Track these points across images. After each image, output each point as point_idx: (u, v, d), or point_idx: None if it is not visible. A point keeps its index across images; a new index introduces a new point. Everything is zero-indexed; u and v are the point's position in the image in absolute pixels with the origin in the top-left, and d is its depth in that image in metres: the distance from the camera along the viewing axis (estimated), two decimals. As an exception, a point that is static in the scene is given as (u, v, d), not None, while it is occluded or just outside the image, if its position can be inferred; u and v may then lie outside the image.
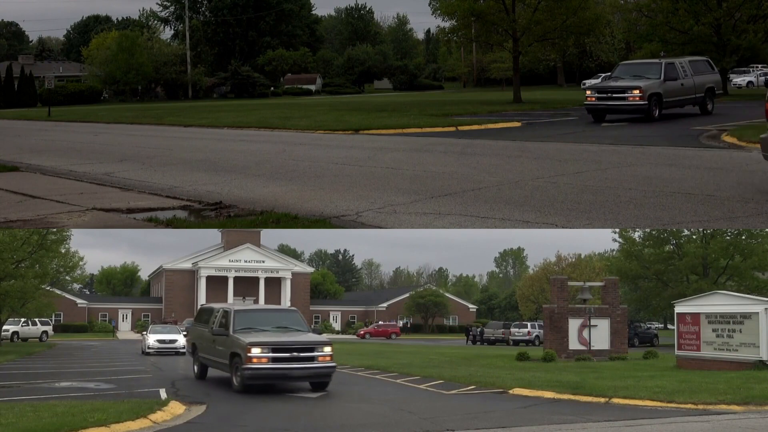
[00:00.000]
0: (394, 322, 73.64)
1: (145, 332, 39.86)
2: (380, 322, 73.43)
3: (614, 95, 31.49)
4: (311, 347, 16.35)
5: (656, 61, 34.22)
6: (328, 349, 16.43)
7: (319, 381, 16.62)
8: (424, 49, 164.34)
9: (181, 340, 35.59)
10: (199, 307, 21.05)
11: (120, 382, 19.37)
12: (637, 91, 30.81)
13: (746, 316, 21.43)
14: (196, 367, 19.75)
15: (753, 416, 13.17)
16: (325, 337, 18.78)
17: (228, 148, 27.31)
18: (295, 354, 16.05)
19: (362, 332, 67.18)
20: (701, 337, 22.77)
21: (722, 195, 13.70)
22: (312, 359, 16.20)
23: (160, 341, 35.63)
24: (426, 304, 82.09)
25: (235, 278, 79.62)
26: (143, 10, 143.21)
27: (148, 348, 35.19)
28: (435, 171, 18.28)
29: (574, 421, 12.53)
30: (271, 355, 15.87)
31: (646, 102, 30.74)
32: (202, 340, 18.95)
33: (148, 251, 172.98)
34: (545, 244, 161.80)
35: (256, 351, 15.80)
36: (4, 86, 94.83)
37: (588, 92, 33.24)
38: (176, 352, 34.73)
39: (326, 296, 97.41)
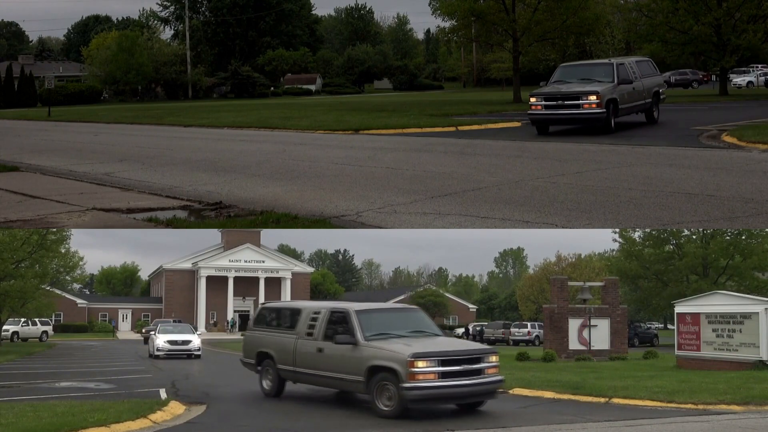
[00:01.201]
0: None
1: (152, 332, 35.72)
2: None
3: (566, 102, 26.14)
4: (478, 357, 13.14)
5: (605, 61, 29.86)
6: (495, 359, 13.36)
7: (482, 399, 13.41)
8: (424, 49, 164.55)
9: (195, 341, 32.35)
10: (261, 305, 17.53)
11: (120, 382, 19.37)
12: (594, 97, 25.75)
13: (746, 316, 21.45)
14: (266, 383, 15.64)
15: (753, 416, 13.17)
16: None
17: (228, 148, 27.31)
18: (465, 366, 12.79)
19: None
20: (701, 337, 22.79)
21: (722, 195, 13.69)
22: (480, 372, 12.96)
23: (171, 342, 31.67)
24: (426, 304, 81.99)
25: (235, 278, 79.65)
26: (143, 10, 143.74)
27: (158, 350, 31.25)
28: (435, 171, 18.28)
29: (574, 421, 12.53)
30: (439, 369, 12.53)
31: (605, 110, 25.76)
32: (288, 349, 14.87)
33: (148, 251, 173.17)
34: (545, 244, 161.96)
35: (422, 365, 12.39)
36: (4, 86, 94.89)
37: (533, 99, 27.05)
38: (189, 355, 31.40)
39: (326, 296, 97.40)
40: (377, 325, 13.73)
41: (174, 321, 50.35)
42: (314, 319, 14.51)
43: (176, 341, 31.84)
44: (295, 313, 15.28)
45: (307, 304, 15.63)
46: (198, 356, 31.45)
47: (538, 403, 14.86)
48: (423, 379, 12.39)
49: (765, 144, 20.87)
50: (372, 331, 13.43)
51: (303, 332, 14.66)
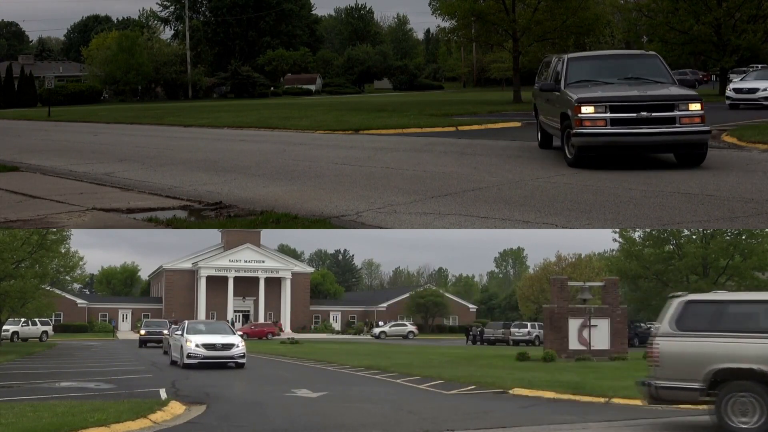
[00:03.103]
0: (270, 323, 70.00)
1: (176, 330, 27.52)
2: (257, 322, 72.28)
3: (654, 115, 16.46)
4: None
5: (641, 52, 21.84)
6: None
7: None
8: (424, 49, 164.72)
9: (240, 345, 24.28)
10: (686, 299, 11.84)
11: (120, 382, 19.36)
12: (698, 106, 16.86)
13: (746, 316, 21.42)
14: (743, 418, 10.48)
15: (753, 416, 13.15)
16: None
17: (228, 148, 27.32)
18: None
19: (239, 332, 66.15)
20: (701, 337, 22.75)
21: (722, 195, 13.71)
22: None
23: (207, 346, 23.67)
24: (426, 304, 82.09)
25: (235, 278, 79.70)
26: (143, 10, 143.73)
27: (188, 357, 23.55)
28: (435, 171, 18.28)
29: (574, 421, 12.53)
30: None
31: (708, 127, 17.32)
32: None
33: (148, 251, 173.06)
34: (545, 244, 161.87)
35: None
36: (4, 86, 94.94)
37: (588, 109, 16.60)
38: (226, 364, 23.92)
39: (326, 296, 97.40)
40: None
41: (170, 321, 49.84)
42: None
43: (215, 345, 23.90)
44: None
45: None
46: (242, 365, 24.07)
47: (538, 403, 14.86)
48: None
49: (765, 144, 20.89)
50: None
51: None
